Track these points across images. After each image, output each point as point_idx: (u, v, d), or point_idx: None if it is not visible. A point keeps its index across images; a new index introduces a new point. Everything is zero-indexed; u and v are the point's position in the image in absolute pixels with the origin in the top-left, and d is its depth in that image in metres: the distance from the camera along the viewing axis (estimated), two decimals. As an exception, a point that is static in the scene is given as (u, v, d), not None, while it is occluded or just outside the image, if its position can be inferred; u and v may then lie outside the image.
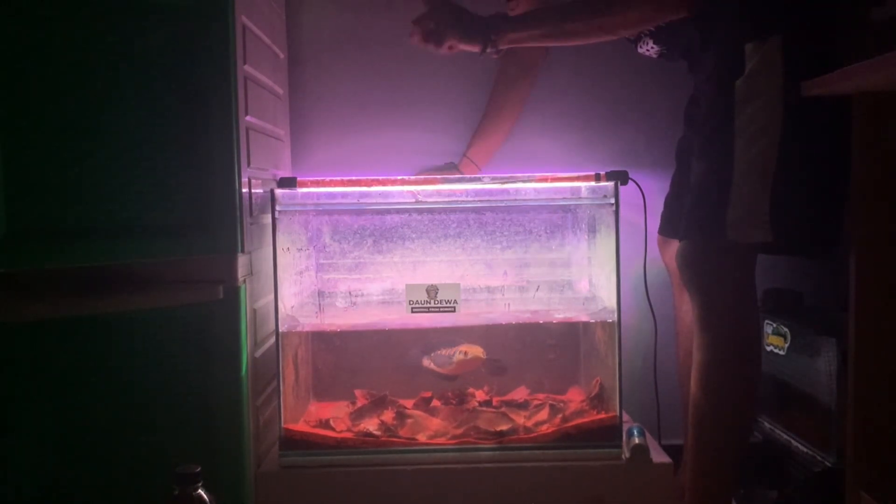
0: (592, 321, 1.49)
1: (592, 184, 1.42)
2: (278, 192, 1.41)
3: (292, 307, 1.45)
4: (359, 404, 1.54)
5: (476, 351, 1.51)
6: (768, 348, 1.55)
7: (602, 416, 1.44)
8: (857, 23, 1.23)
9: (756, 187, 1.23)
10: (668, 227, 1.54)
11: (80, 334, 1.30)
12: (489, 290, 1.48)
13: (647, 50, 1.52)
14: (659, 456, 1.39)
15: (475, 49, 1.42)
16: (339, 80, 1.78)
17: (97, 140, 1.22)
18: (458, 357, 1.51)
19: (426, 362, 1.58)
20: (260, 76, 1.46)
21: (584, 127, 1.79)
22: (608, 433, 1.41)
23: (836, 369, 1.35)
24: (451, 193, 1.45)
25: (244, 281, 1.32)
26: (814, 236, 1.26)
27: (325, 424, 1.47)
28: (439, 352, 1.55)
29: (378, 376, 1.63)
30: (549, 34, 1.39)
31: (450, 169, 1.72)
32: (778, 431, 1.53)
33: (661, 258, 1.60)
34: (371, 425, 1.46)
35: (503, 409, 1.50)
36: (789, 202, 1.23)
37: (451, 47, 1.44)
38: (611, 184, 1.40)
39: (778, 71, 1.22)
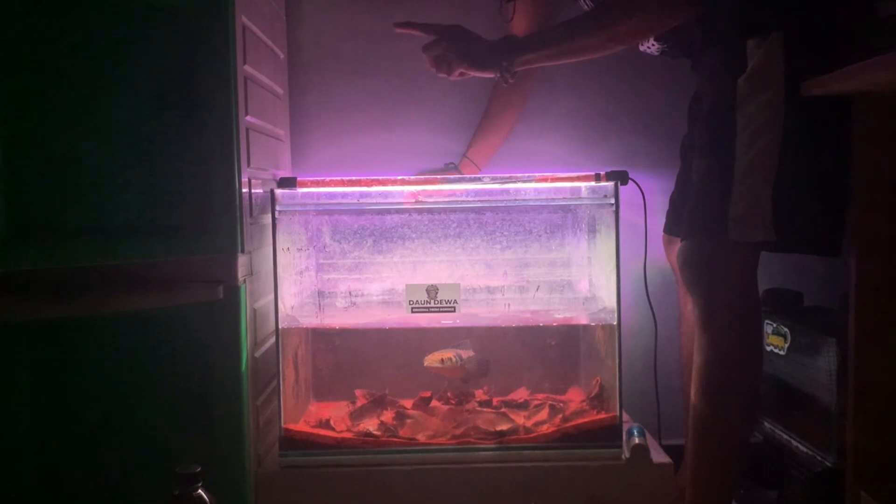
0: (592, 322, 1.49)
1: (592, 184, 1.42)
2: (278, 192, 1.41)
3: (292, 307, 1.45)
4: (359, 404, 1.54)
5: (432, 360, 1.50)
6: (768, 348, 1.55)
7: (602, 416, 1.44)
8: (861, 20, 1.23)
9: (758, 186, 1.23)
10: (674, 226, 1.53)
11: (80, 334, 1.30)
12: (489, 290, 1.48)
13: (649, 47, 1.52)
14: (659, 456, 1.39)
15: (489, 76, 1.43)
16: (339, 80, 1.78)
17: (97, 140, 1.22)
18: (436, 365, 1.50)
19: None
20: (260, 76, 1.46)
21: (584, 127, 1.79)
22: (608, 433, 1.41)
23: (836, 369, 1.35)
24: (451, 193, 1.45)
25: (244, 281, 1.32)
26: (817, 234, 1.25)
27: (325, 424, 1.47)
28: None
29: (378, 376, 1.63)
30: (561, 52, 1.39)
31: (450, 170, 1.72)
32: (778, 431, 1.53)
33: (667, 257, 1.59)
34: (371, 425, 1.46)
35: (503, 409, 1.50)
36: (792, 200, 1.22)
37: (461, 74, 1.44)
38: (611, 184, 1.40)
39: (779, 68, 1.22)
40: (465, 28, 1.45)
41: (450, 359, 1.49)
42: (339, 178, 1.44)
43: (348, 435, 1.43)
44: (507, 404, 1.54)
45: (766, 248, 1.28)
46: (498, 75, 1.42)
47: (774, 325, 1.54)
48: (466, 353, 1.52)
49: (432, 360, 1.49)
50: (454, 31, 1.44)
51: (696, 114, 1.47)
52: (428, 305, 1.41)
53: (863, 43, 1.18)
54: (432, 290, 1.41)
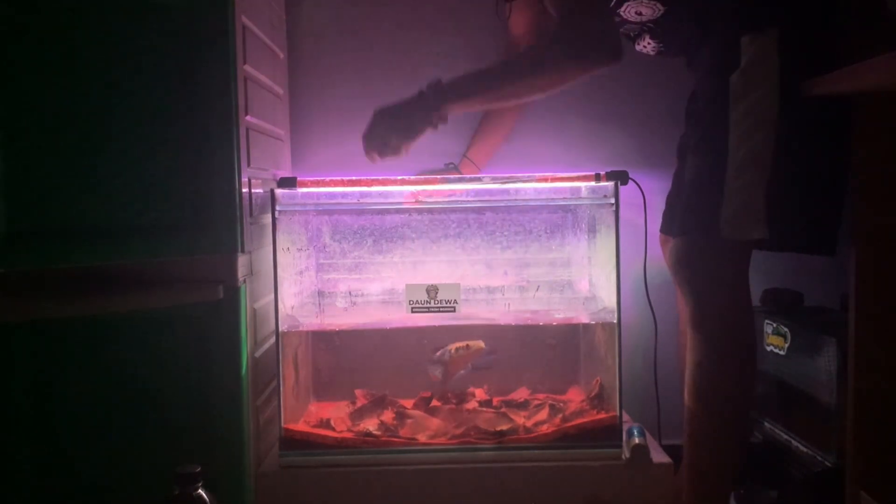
0: (592, 321, 1.49)
1: (592, 184, 1.42)
2: (278, 192, 1.41)
3: (292, 307, 1.45)
4: (359, 404, 1.54)
5: (476, 343, 1.49)
6: (768, 348, 1.55)
7: (602, 416, 1.44)
8: (869, 16, 1.22)
9: (751, 183, 1.23)
10: (670, 225, 1.53)
11: (80, 334, 1.30)
12: (489, 290, 1.48)
13: (645, 47, 1.51)
14: (659, 456, 1.39)
15: (428, 129, 1.41)
16: (339, 80, 1.78)
17: (97, 140, 1.22)
18: (461, 352, 1.48)
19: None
20: (260, 76, 1.46)
21: (584, 127, 1.79)
22: (608, 433, 1.41)
23: (836, 369, 1.35)
24: (451, 193, 1.45)
25: (244, 281, 1.32)
26: (811, 232, 1.26)
27: (325, 424, 1.47)
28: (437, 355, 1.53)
29: (378, 376, 1.63)
30: (488, 99, 1.41)
31: (450, 170, 1.72)
32: (778, 431, 1.53)
33: (664, 257, 1.59)
34: (371, 425, 1.46)
35: (503, 409, 1.50)
36: (785, 198, 1.22)
37: (404, 145, 1.42)
38: (611, 184, 1.40)
39: (774, 64, 1.22)
40: (384, 106, 1.43)
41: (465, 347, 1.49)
42: (339, 178, 1.43)
43: (348, 435, 1.43)
44: (507, 404, 1.54)
45: (760, 247, 1.28)
46: (433, 127, 1.41)
47: (774, 325, 1.54)
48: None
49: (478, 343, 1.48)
50: (376, 115, 1.42)
51: (691, 113, 1.47)
52: (428, 305, 1.41)
53: (868, 40, 1.18)
54: (432, 290, 1.41)
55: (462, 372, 1.53)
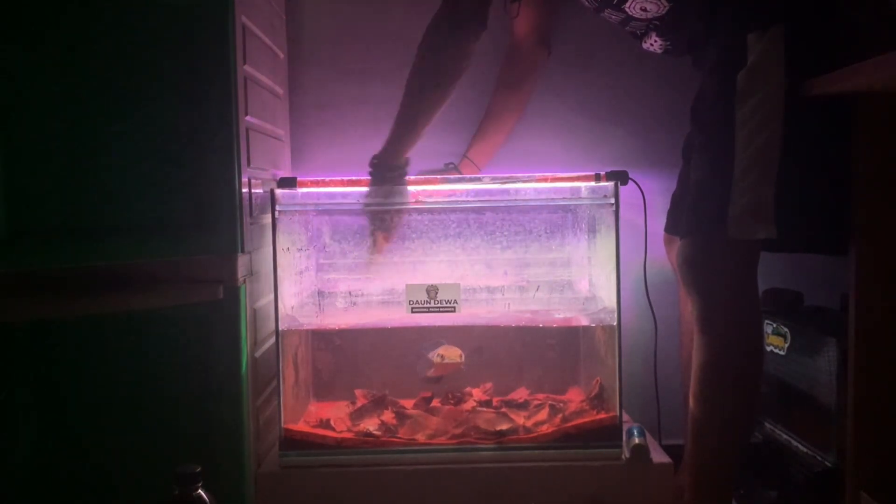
0: (592, 322, 1.49)
1: (592, 184, 1.42)
2: (278, 192, 1.41)
3: (292, 307, 1.45)
4: (359, 404, 1.54)
5: (453, 354, 1.49)
6: (768, 348, 1.55)
7: (602, 416, 1.44)
8: (864, 15, 1.22)
9: (759, 182, 1.22)
10: (675, 225, 1.53)
11: (80, 334, 1.30)
12: (489, 290, 1.48)
13: (651, 44, 1.51)
14: (659, 456, 1.39)
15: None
16: (339, 80, 1.78)
17: (97, 140, 1.22)
18: (437, 360, 1.49)
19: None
20: (260, 76, 1.46)
21: (584, 127, 1.78)
22: (608, 433, 1.41)
23: (836, 369, 1.35)
24: (451, 193, 1.45)
25: (244, 281, 1.32)
26: (820, 231, 1.25)
27: (325, 424, 1.47)
28: (427, 355, 1.53)
29: (378, 376, 1.63)
30: (417, 127, 1.42)
31: (450, 170, 1.71)
32: (778, 431, 1.53)
33: (668, 257, 1.59)
34: (371, 425, 1.46)
35: (503, 409, 1.50)
36: (794, 197, 1.21)
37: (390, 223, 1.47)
38: (611, 184, 1.40)
39: (780, 62, 1.21)
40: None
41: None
42: (339, 178, 1.44)
43: (348, 435, 1.43)
44: (507, 404, 1.54)
45: (768, 247, 1.27)
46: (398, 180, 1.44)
47: (774, 325, 1.54)
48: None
49: (454, 354, 1.48)
50: (370, 226, 1.48)
51: (698, 111, 1.46)
52: (428, 305, 1.41)
53: (872, 39, 1.17)
54: (432, 290, 1.41)
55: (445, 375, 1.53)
